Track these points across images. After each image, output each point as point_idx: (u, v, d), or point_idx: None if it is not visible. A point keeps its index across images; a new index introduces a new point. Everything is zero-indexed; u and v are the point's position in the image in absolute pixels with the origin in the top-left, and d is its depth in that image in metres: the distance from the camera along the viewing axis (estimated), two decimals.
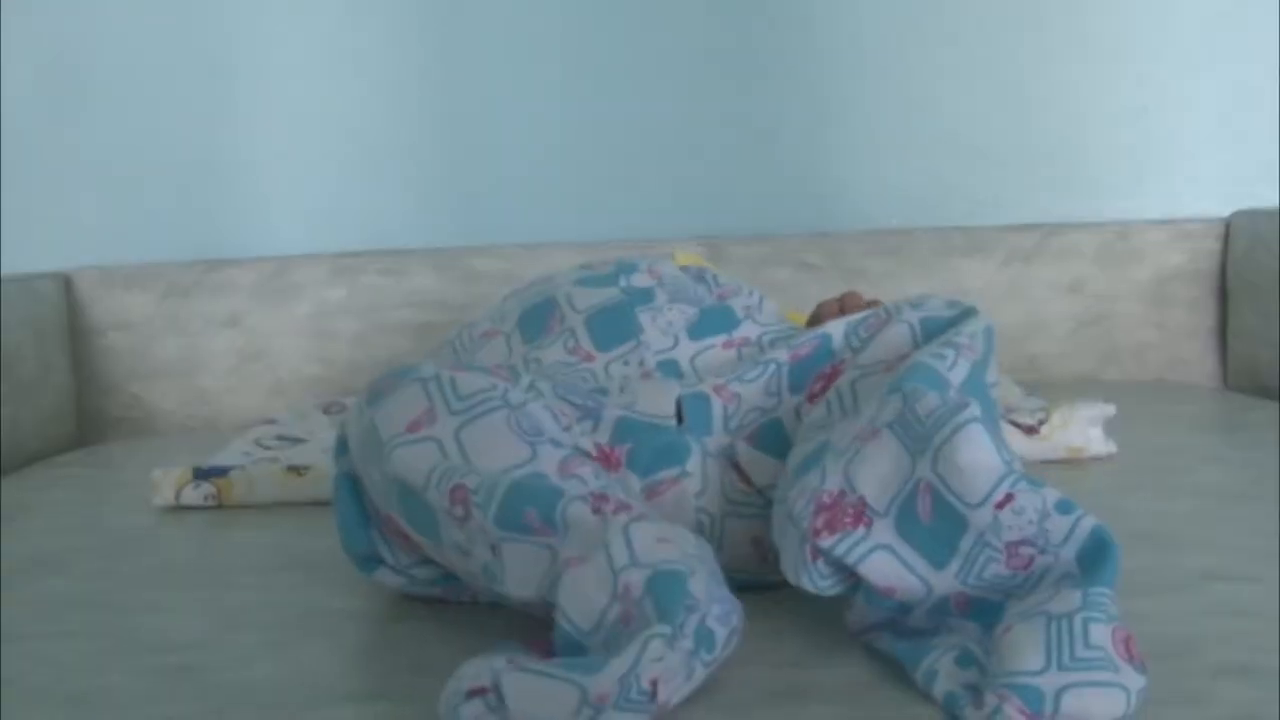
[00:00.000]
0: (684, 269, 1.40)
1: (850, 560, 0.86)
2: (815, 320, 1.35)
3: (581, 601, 0.82)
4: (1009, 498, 0.84)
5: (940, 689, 0.81)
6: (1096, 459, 1.48)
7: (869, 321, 1.10)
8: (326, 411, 1.86)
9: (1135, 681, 0.76)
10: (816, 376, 1.08)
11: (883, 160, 2.14)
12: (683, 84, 2.13)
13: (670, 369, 1.18)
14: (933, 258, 2.09)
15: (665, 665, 0.76)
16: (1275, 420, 1.66)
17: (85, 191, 2.13)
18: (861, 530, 0.87)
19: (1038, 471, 1.41)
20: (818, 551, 0.87)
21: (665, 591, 0.79)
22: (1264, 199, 2.07)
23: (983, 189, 2.15)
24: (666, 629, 0.77)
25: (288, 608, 1.10)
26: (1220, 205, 2.09)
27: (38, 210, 2.13)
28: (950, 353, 0.98)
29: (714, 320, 1.22)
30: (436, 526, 0.94)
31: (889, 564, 0.87)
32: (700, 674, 0.80)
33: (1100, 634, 0.76)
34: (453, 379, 0.98)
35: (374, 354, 2.09)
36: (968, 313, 1.07)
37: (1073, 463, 1.47)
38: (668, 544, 0.84)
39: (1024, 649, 0.77)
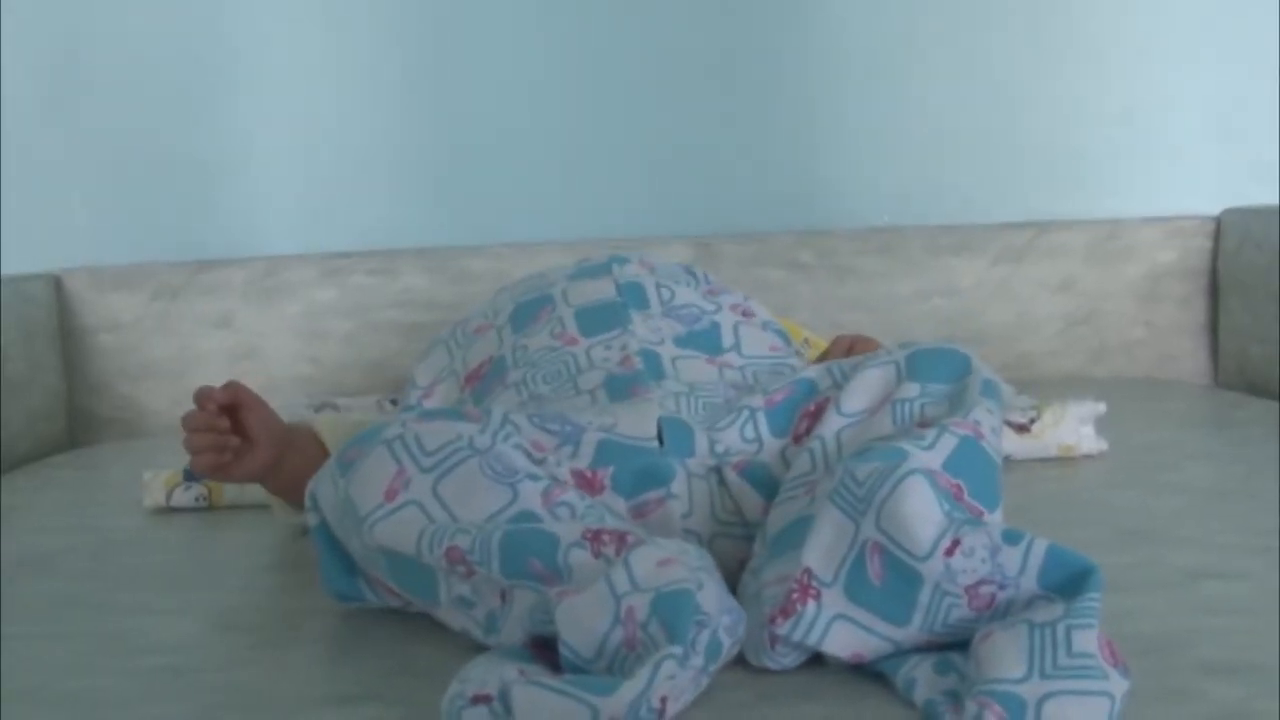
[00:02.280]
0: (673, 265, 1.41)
1: (810, 642, 0.85)
2: (825, 358, 1.33)
3: (581, 631, 0.81)
4: (956, 543, 0.82)
5: (920, 696, 0.80)
6: (1087, 457, 1.48)
7: (853, 360, 1.09)
8: (317, 412, 1.85)
9: (1120, 686, 0.75)
10: (801, 415, 1.07)
11: (873, 159, 2.14)
12: (673, 83, 2.13)
13: (651, 359, 1.18)
14: (923, 256, 2.09)
15: (676, 684, 0.76)
16: (1265, 417, 1.66)
17: (75, 192, 2.13)
18: (812, 605, 0.85)
19: (1030, 470, 1.43)
20: (775, 638, 0.85)
21: (673, 611, 0.78)
22: (1255, 197, 2.07)
23: (973, 187, 2.15)
24: (678, 649, 0.76)
25: (277, 609, 1.10)
26: (1211, 203, 2.10)
27: (28, 211, 2.12)
28: (932, 434, 0.94)
29: (701, 340, 1.23)
30: (434, 586, 0.93)
31: (848, 633, 0.85)
32: (704, 682, 0.80)
33: (1086, 640, 0.75)
34: (418, 436, 0.96)
35: (364, 354, 2.09)
36: (960, 364, 1.03)
37: (1064, 460, 1.47)
38: (670, 564, 0.82)
39: (1005, 656, 0.76)
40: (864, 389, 1.04)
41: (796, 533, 0.91)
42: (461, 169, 2.14)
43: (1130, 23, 2.12)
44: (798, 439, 1.06)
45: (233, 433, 1.18)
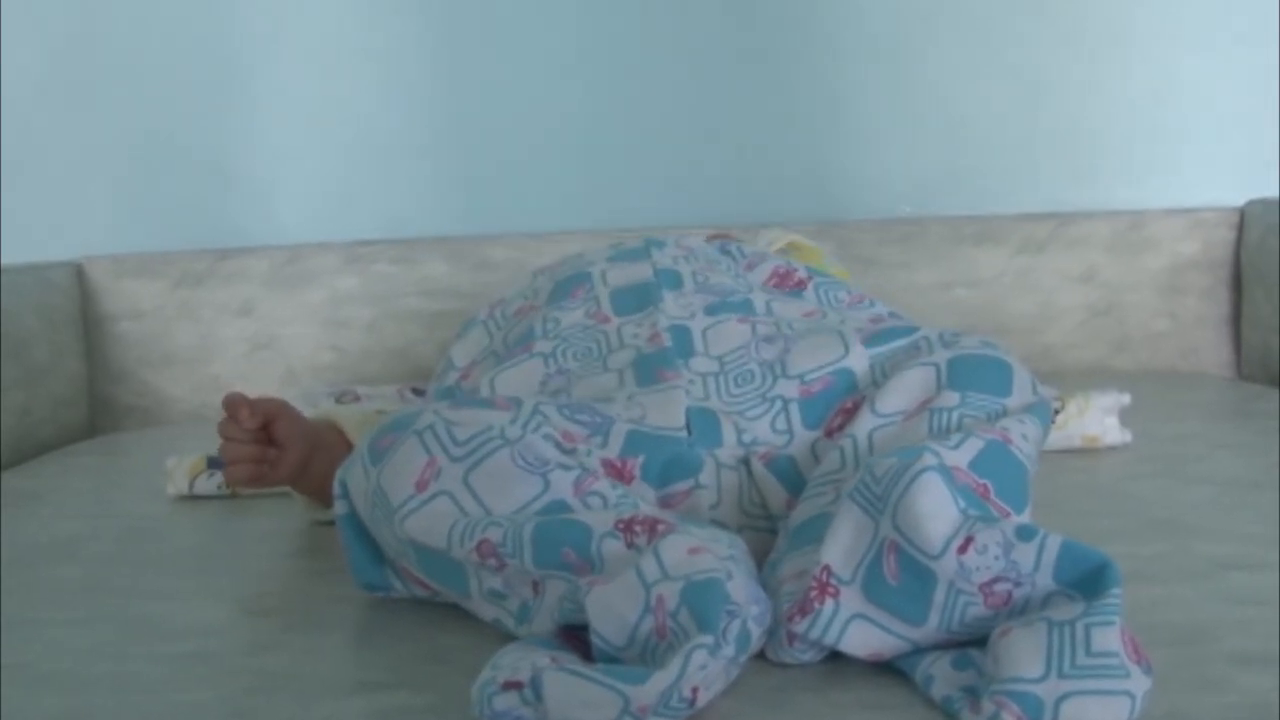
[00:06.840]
0: (708, 241, 1.41)
1: (828, 641, 0.84)
2: None
3: (612, 620, 0.81)
4: (969, 540, 0.81)
5: (938, 692, 0.80)
6: (1111, 448, 1.48)
7: (895, 356, 1.09)
8: (339, 400, 1.85)
9: (1142, 685, 0.74)
10: (837, 410, 1.07)
11: (894, 149, 2.14)
12: (693, 71, 2.13)
13: (681, 334, 1.17)
14: (944, 247, 2.08)
15: (708, 674, 0.75)
16: None
17: (97, 180, 2.14)
18: (830, 604, 0.84)
19: (1054, 461, 1.42)
20: (793, 636, 0.85)
21: (703, 600, 0.78)
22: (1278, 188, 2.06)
23: (994, 178, 2.14)
24: (709, 639, 0.75)
25: (304, 595, 1.10)
26: (1234, 194, 2.09)
27: (50, 199, 2.13)
28: (958, 436, 0.94)
29: (732, 306, 1.23)
30: (465, 580, 0.93)
31: (866, 633, 0.84)
32: (734, 673, 0.80)
33: (1106, 639, 0.74)
34: (449, 426, 0.96)
35: (386, 342, 2.09)
36: (1003, 377, 1.03)
37: (1088, 451, 1.47)
38: (700, 552, 0.82)
39: (1023, 655, 0.75)
40: (902, 390, 1.03)
41: (815, 528, 0.91)
42: (483, 157, 2.14)
43: (1152, 12, 2.10)
44: (830, 433, 1.05)
45: (266, 444, 1.20)
